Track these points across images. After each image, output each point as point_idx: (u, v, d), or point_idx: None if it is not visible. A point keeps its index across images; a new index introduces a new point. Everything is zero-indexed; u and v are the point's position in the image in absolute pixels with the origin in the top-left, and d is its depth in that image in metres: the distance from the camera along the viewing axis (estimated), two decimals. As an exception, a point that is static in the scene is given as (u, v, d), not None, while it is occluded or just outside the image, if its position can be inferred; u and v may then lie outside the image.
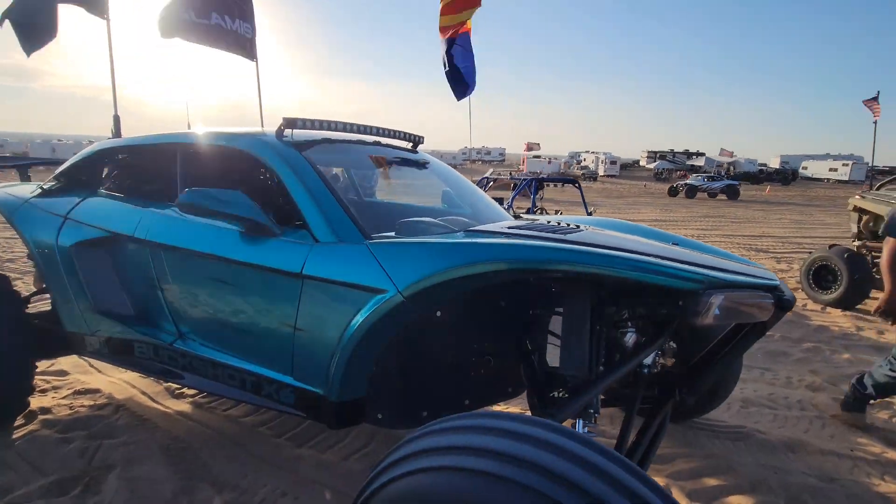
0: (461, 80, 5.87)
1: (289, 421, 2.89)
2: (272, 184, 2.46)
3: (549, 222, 2.21)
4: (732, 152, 45.38)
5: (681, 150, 53.47)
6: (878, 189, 5.87)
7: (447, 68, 5.87)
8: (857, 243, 5.90)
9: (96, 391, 3.20)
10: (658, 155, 52.77)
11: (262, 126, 3.81)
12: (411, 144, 2.84)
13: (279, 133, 2.15)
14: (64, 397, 3.11)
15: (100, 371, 3.57)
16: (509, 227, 2.01)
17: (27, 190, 2.87)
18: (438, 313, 1.72)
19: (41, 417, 2.85)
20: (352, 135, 2.40)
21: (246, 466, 2.45)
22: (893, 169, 55.00)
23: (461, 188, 2.86)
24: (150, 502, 2.17)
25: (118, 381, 3.36)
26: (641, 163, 54.77)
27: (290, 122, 2.12)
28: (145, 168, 2.69)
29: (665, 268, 1.45)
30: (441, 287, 1.53)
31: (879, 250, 5.76)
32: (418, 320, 1.69)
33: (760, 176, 45.02)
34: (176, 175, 2.35)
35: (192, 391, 3.23)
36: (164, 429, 2.76)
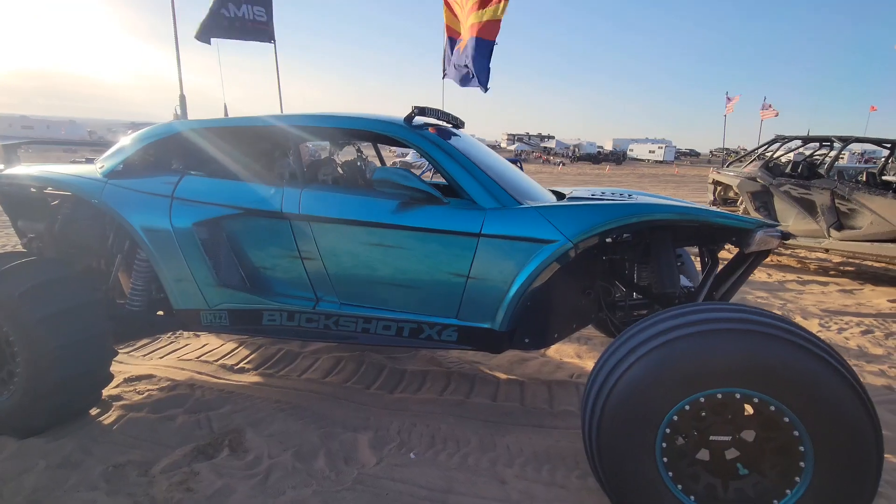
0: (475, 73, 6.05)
1: (367, 374, 3.24)
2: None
3: (602, 193, 2.91)
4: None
5: (535, 133, 58.88)
6: (727, 167, 7.78)
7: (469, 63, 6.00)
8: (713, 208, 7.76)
9: (149, 376, 3.15)
10: (516, 137, 57.41)
11: (282, 108, 3.89)
12: (454, 127, 3.34)
13: (410, 118, 2.51)
14: (118, 385, 3.02)
15: (119, 362, 3.43)
16: (594, 195, 2.69)
17: (84, 171, 2.72)
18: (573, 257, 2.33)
19: (116, 405, 2.80)
20: (437, 121, 2.83)
21: (362, 412, 2.80)
22: (692, 150, 67.59)
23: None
24: (305, 448, 2.44)
25: (162, 366, 3.32)
26: (502, 144, 58.99)
27: (421, 110, 2.50)
28: (244, 148, 2.75)
29: (734, 216, 2.27)
30: (598, 236, 2.15)
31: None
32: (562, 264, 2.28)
33: (599, 157, 51.67)
34: (289, 155, 2.55)
35: (249, 365, 3.36)
36: (258, 397, 2.93)
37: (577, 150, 53.45)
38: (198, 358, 3.47)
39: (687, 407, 1.68)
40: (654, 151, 56.68)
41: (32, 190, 3.09)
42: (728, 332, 1.65)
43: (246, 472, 2.25)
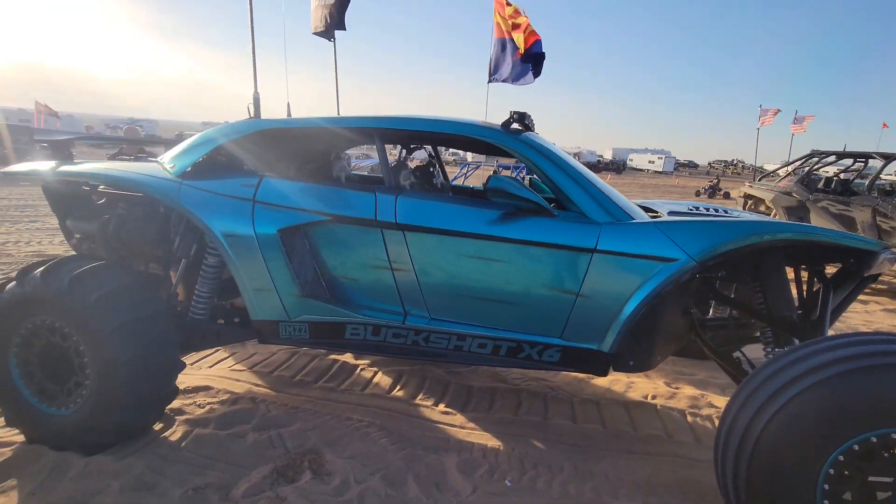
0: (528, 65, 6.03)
1: (432, 390, 3.09)
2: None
3: (696, 208, 2.80)
4: None
5: (535, 141, 59.09)
6: (759, 181, 7.72)
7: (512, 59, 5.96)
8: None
9: (206, 388, 2.98)
10: (517, 144, 57.51)
11: (339, 109, 3.76)
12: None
13: (508, 124, 2.38)
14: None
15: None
16: (695, 210, 2.57)
17: (152, 170, 2.56)
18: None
19: (179, 419, 2.63)
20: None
21: (439, 433, 2.65)
22: (690, 162, 67.96)
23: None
24: (391, 472, 2.28)
25: (217, 377, 3.15)
26: (502, 151, 58.87)
27: (520, 116, 2.37)
28: (319, 150, 2.61)
29: (859, 237, 2.15)
30: (722, 255, 2.02)
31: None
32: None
33: (599, 166, 51.72)
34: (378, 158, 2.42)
35: (307, 378, 3.20)
36: (326, 413, 2.77)
37: (577, 158, 53.45)
38: (251, 368, 3.30)
39: (856, 447, 1.55)
40: (653, 162, 56.83)
41: (85, 188, 2.94)
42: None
43: (337, 499, 2.09)
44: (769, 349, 2.34)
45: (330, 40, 4.68)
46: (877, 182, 6.39)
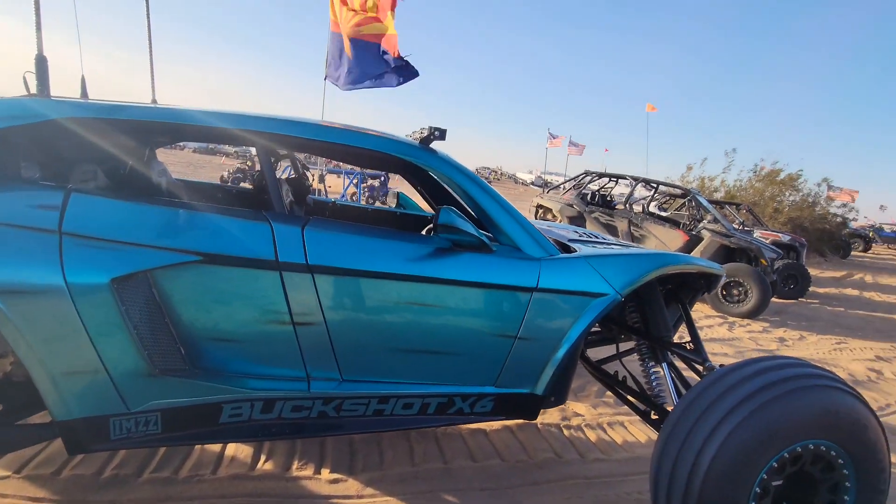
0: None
1: (307, 453, 2.54)
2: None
3: (581, 235, 2.91)
4: None
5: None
6: (547, 193, 8.90)
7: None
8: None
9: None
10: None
11: (154, 92, 2.73)
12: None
13: (428, 141, 2.03)
14: None
15: None
16: (581, 235, 2.67)
17: None
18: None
19: None
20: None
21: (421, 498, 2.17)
22: (512, 175, 75.63)
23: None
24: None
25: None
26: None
27: (441, 133, 2.03)
28: (125, 150, 1.78)
29: (711, 263, 2.52)
30: (641, 287, 2.11)
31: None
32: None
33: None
34: (249, 174, 1.80)
35: (128, 469, 2.26)
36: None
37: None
38: (19, 473, 2.17)
39: (775, 464, 1.77)
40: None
41: None
42: (811, 389, 1.79)
43: None
44: (646, 363, 2.57)
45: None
46: (631, 198, 8.06)
